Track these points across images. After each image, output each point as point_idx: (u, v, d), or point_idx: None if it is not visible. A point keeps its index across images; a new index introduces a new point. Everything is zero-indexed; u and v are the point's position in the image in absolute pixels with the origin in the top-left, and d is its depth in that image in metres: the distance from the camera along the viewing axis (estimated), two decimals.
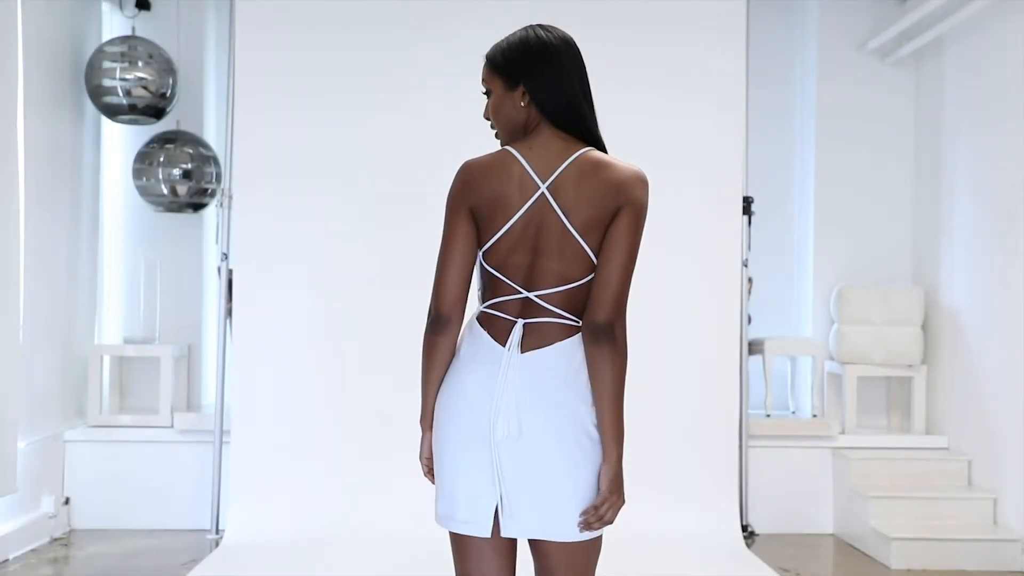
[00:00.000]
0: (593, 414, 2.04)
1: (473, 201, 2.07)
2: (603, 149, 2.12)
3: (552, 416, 2.03)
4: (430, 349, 2.12)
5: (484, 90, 2.18)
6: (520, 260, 2.06)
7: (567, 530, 2.04)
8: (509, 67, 2.12)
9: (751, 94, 5.05)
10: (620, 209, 2.03)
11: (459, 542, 2.13)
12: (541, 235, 2.04)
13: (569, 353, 2.05)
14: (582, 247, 2.03)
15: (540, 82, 2.10)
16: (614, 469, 2.03)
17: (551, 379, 2.04)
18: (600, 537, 2.10)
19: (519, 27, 2.15)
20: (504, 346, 2.06)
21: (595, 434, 2.04)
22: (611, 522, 2.05)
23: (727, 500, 4.87)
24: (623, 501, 2.05)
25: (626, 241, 2.03)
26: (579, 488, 2.03)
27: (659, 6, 4.95)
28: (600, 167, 2.05)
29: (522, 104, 2.11)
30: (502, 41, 2.17)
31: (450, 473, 2.09)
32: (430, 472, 2.20)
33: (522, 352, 2.05)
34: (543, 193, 2.04)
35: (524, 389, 2.03)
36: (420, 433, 2.20)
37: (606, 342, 2.00)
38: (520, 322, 2.06)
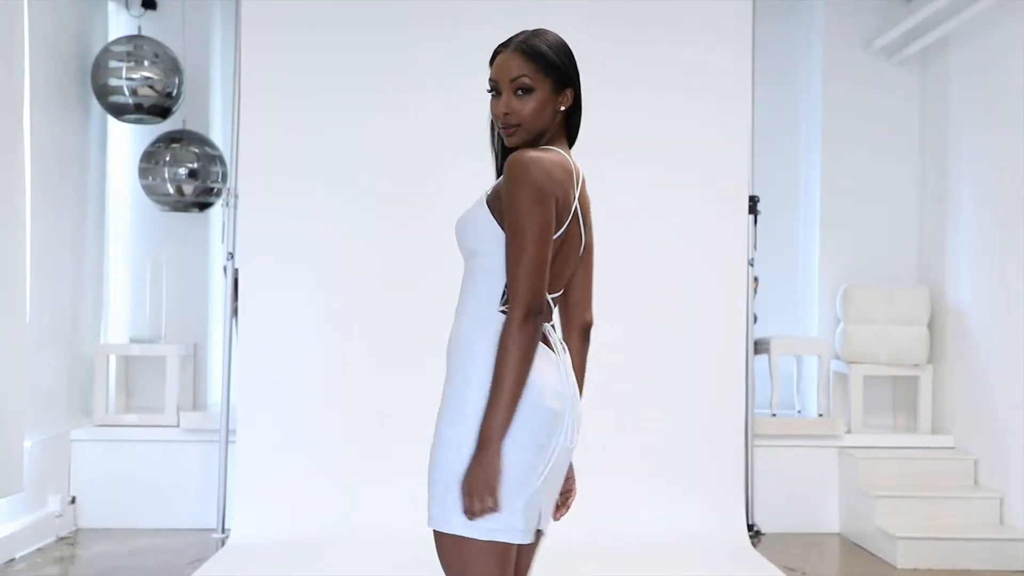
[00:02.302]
0: None
1: (556, 196, 1.92)
2: None
3: None
4: (532, 345, 1.87)
5: (519, 87, 1.95)
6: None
7: None
8: (566, 67, 1.99)
9: (757, 94, 5.05)
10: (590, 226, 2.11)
11: (509, 551, 1.93)
12: (567, 242, 1.99)
13: None
14: (581, 256, 2.06)
15: (580, 89, 2.05)
16: None
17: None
18: None
19: (518, 27, 2.06)
20: (550, 350, 1.99)
21: None
22: None
23: (733, 499, 4.87)
24: None
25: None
26: None
27: (664, 6, 4.95)
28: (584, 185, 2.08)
29: (561, 108, 2.00)
30: (530, 37, 1.99)
31: (545, 483, 1.95)
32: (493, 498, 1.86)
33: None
34: (576, 203, 2.00)
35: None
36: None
37: (589, 340, 2.13)
38: (548, 325, 2.01)
